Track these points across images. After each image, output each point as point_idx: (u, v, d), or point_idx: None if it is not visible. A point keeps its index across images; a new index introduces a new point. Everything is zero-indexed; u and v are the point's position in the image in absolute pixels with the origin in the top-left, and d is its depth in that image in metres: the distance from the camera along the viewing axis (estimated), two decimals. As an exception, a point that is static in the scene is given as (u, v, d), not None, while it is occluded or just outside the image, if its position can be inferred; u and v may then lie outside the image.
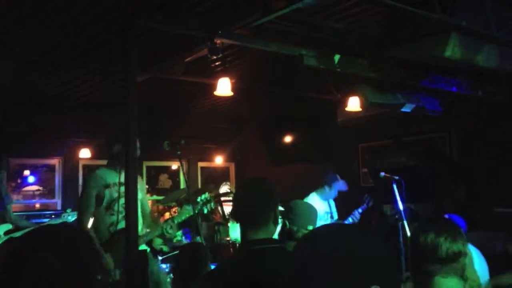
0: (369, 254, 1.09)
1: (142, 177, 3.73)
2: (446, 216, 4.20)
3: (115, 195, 3.98)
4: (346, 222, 6.03)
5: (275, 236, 2.16)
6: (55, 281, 1.35)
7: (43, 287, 1.34)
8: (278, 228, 2.26)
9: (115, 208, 3.96)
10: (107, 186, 4.01)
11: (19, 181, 8.41)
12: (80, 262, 1.41)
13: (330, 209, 6.06)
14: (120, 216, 3.94)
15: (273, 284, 1.66)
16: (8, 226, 5.35)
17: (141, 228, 4.06)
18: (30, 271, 1.34)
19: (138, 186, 3.66)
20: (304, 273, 1.08)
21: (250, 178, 2.26)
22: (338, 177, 6.08)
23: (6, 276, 1.36)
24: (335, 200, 6.18)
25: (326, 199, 5.99)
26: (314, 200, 5.72)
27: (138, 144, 3.98)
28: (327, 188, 5.97)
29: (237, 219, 2.16)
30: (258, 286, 1.88)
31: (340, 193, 6.19)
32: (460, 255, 1.98)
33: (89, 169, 4.14)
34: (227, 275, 2.02)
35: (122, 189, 3.83)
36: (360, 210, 6.14)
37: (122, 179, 3.84)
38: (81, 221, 4.03)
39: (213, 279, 2.09)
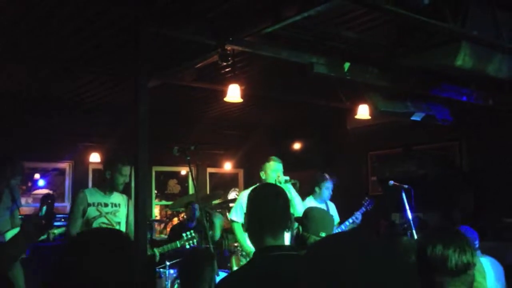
0: (379, 266, 1.06)
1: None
2: (458, 228, 4.14)
3: (95, 214, 4.27)
4: (345, 223, 6.01)
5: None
6: (108, 281, 1.41)
7: (97, 286, 1.40)
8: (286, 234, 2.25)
9: (94, 225, 4.25)
10: (89, 204, 4.28)
11: (29, 184, 8.46)
12: (129, 262, 1.49)
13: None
14: None
15: None
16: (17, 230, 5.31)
17: None
18: (85, 271, 1.40)
19: (130, 208, 4.06)
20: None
21: (263, 184, 2.22)
22: (326, 176, 6.04)
23: (62, 277, 1.42)
24: (334, 201, 6.15)
25: (321, 201, 5.98)
26: (310, 203, 5.72)
27: (128, 172, 4.34)
28: (317, 190, 5.98)
29: (253, 225, 2.10)
30: None
31: (347, 199, 6.15)
32: (469, 267, 1.94)
33: (80, 189, 4.60)
34: (245, 282, 1.95)
35: (105, 209, 4.29)
36: (360, 212, 6.11)
37: (111, 201, 4.33)
38: (69, 232, 4.29)
39: (228, 286, 2.02)
